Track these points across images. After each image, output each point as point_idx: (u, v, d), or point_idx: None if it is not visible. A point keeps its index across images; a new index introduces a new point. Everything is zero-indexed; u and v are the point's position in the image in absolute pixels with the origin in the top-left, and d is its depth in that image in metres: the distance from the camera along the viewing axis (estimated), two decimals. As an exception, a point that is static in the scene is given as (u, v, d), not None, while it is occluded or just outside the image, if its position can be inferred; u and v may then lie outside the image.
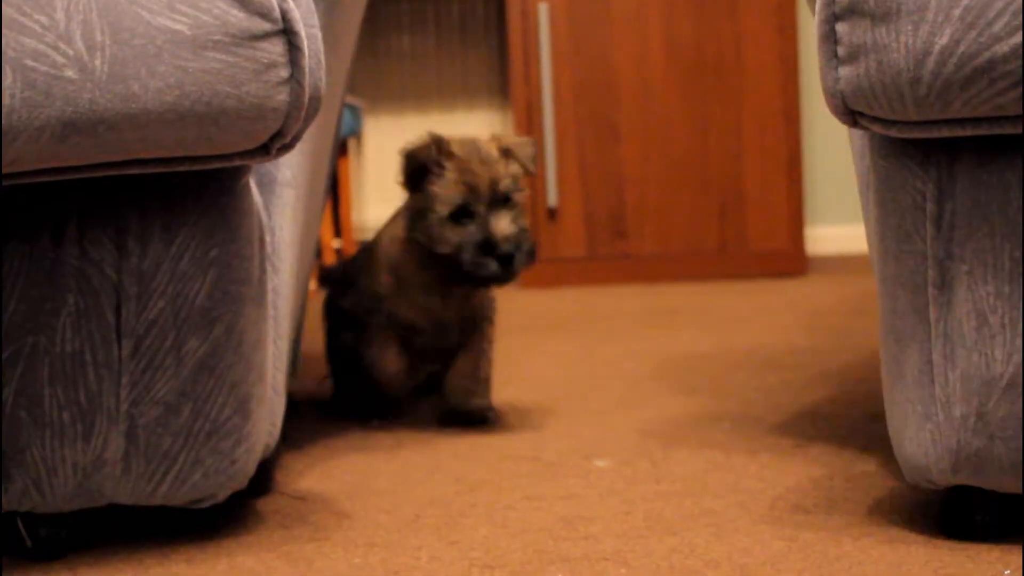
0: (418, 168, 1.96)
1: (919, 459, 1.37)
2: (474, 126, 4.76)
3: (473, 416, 2.09)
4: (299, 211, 1.74)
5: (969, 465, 1.33)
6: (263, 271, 1.47)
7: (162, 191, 1.39)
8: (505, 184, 1.96)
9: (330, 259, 4.38)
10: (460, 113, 4.86)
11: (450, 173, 1.95)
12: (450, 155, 1.96)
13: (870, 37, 1.26)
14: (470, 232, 1.93)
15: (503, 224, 1.93)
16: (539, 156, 4.11)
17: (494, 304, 2.14)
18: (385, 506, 1.62)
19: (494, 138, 2.03)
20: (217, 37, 1.27)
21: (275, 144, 1.35)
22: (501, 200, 1.96)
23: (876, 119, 1.30)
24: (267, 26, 1.29)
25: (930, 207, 1.33)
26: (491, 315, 2.14)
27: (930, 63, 1.23)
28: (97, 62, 1.23)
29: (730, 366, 2.61)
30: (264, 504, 1.64)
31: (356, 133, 4.45)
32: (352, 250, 4.50)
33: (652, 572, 1.33)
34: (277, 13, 1.29)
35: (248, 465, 1.46)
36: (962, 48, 1.21)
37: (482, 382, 2.12)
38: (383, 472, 1.81)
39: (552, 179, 4.23)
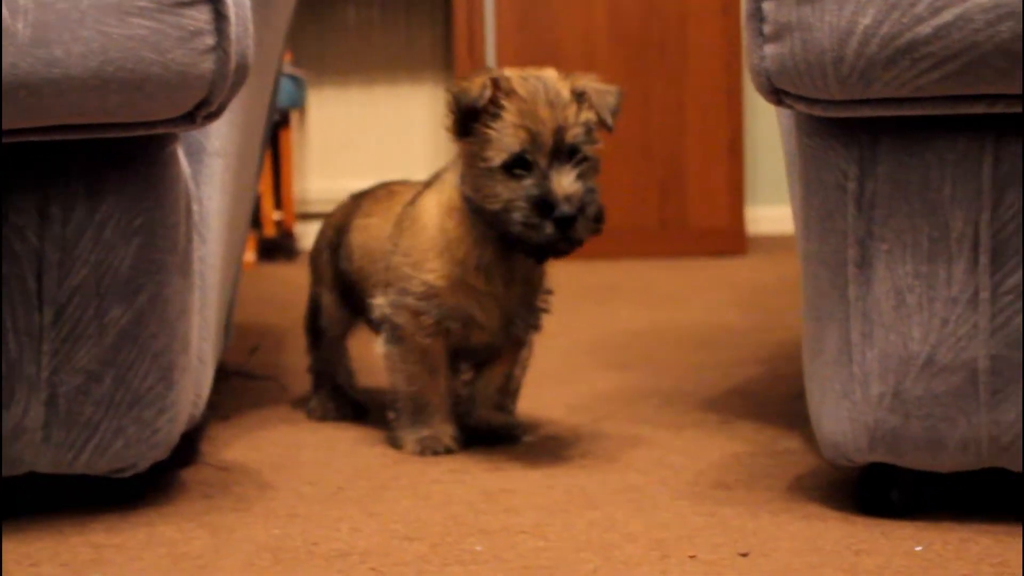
0: (468, 110, 1.63)
1: (837, 436, 1.38)
2: (418, 99, 4.75)
3: (499, 434, 1.81)
4: (228, 181, 1.73)
5: (885, 443, 1.34)
6: (189, 240, 1.46)
7: (87, 158, 1.38)
8: (574, 133, 1.61)
9: (270, 231, 4.36)
10: (405, 86, 4.84)
11: (508, 115, 1.61)
12: (510, 93, 1.62)
13: (795, 15, 1.27)
14: (524, 187, 1.59)
15: (566, 181, 1.58)
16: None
17: (549, 303, 1.80)
18: (309, 478, 1.62)
19: (568, 77, 1.66)
20: (142, 3, 1.27)
21: (201, 112, 1.35)
22: (567, 152, 1.61)
23: (800, 98, 1.32)
24: (193, -7, 1.28)
25: (852, 186, 1.34)
26: (541, 318, 1.80)
27: (853, 43, 1.24)
28: (19, 25, 1.22)
29: (664, 343, 2.62)
30: (188, 474, 1.63)
31: (299, 105, 4.42)
32: (292, 223, 4.48)
33: (569, 545, 1.34)
34: (203, -20, 1.29)
35: (171, 435, 1.46)
36: (884, 28, 1.23)
37: (511, 395, 1.86)
38: (309, 444, 1.80)
39: (494, 154, 4.22)
